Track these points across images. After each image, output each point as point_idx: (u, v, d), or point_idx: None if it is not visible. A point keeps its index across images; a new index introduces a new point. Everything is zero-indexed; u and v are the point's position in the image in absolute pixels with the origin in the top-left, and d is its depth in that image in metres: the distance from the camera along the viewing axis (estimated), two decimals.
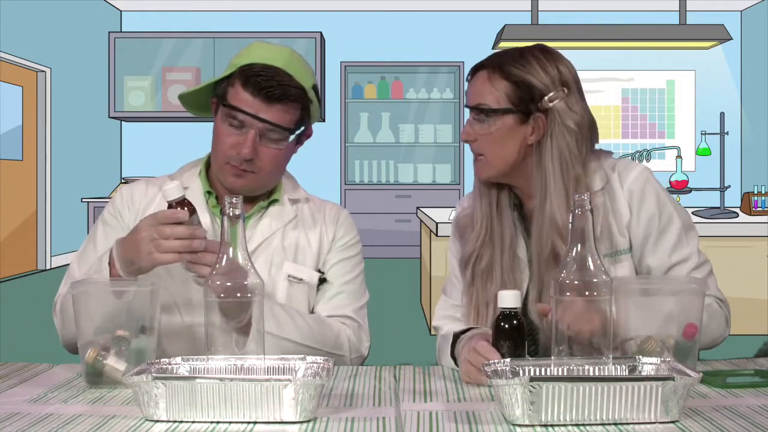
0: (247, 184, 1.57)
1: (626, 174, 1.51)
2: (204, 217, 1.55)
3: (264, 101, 1.52)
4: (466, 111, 1.53)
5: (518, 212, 1.57)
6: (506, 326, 1.29)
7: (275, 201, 1.64)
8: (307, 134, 1.64)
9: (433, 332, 4.70)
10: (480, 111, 1.49)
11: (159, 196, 1.62)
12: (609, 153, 1.58)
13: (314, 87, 1.61)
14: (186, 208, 1.39)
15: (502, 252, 1.52)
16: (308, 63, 1.63)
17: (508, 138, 1.48)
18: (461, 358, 1.37)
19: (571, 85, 1.49)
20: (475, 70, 1.54)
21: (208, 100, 1.64)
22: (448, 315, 1.64)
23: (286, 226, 1.63)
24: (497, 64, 1.50)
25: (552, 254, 1.45)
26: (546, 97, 1.46)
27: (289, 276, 1.59)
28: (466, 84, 1.60)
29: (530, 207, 1.55)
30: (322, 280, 1.63)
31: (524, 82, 1.47)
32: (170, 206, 1.39)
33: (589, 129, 1.51)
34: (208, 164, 1.66)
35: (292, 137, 1.57)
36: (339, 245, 1.67)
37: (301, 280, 1.60)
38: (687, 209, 1.62)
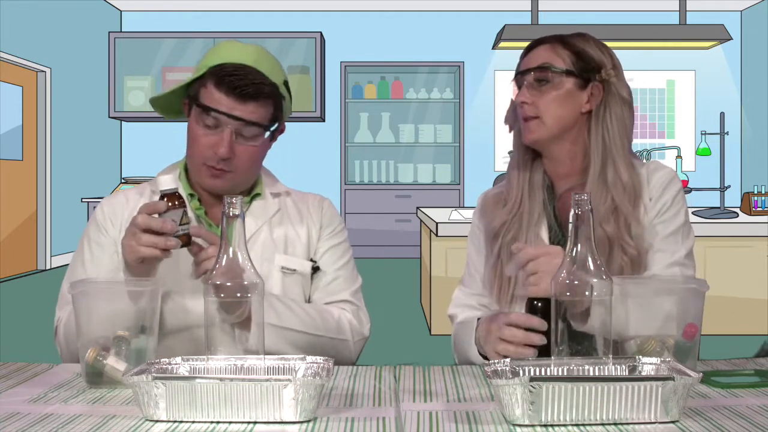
0: (224, 184, 1.58)
1: (655, 172, 1.59)
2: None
3: (238, 100, 1.53)
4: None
5: (548, 194, 1.62)
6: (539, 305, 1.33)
7: (257, 195, 1.65)
8: (280, 130, 1.66)
9: (433, 332, 4.72)
10: (544, 70, 1.56)
11: (141, 202, 1.62)
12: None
13: (285, 83, 1.63)
14: (175, 202, 1.39)
15: (528, 230, 1.58)
16: (278, 60, 1.65)
17: (567, 101, 1.57)
18: (490, 337, 1.41)
19: (620, 70, 1.61)
20: (534, 45, 1.62)
21: (180, 103, 1.65)
22: (466, 304, 1.68)
23: (271, 219, 1.64)
24: (558, 38, 1.61)
25: (612, 209, 1.52)
26: (603, 70, 1.58)
27: (282, 268, 1.60)
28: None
29: (560, 188, 1.61)
30: (315, 269, 1.64)
31: (585, 52, 1.58)
32: (161, 198, 1.40)
33: (632, 111, 1.63)
34: (186, 166, 1.66)
35: (267, 134, 1.59)
36: (327, 233, 1.68)
37: (294, 270, 1.61)
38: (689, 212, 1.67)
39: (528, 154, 1.64)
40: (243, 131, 1.55)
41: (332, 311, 1.61)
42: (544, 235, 1.59)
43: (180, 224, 1.39)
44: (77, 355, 1.36)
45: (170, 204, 1.39)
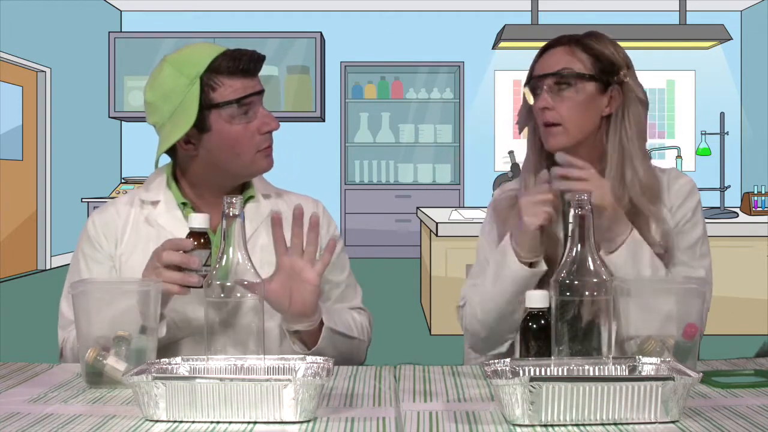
0: (272, 160, 1.60)
1: (676, 180, 1.60)
2: (184, 229, 1.52)
3: (251, 76, 1.54)
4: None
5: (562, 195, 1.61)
6: (534, 326, 1.30)
7: (251, 198, 1.63)
8: None
9: (433, 332, 4.72)
10: (566, 76, 1.55)
11: (133, 213, 1.59)
12: None
13: None
14: (201, 240, 1.38)
15: (543, 233, 1.57)
16: None
17: (589, 106, 1.56)
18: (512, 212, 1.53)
19: (633, 69, 1.61)
20: (550, 47, 1.60)
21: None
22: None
23: (266, 220, 1.61)
24: (574, 40, 1.59)
25: (629, 210, 1.52)
26: (621, 72, 1.57)
27: None
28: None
29: None
30: None
31: (603, 55, 1.57)
32: (188, 236, 1.39)
33: (647, 110, 1.62)
34: (174, 174, 1.62)
35: None
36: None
37: None
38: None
39: (543, 157, 1.63)
40: (261, 102, 1.57)
41: (353, 314, 1.65)
42: (560, 233, 1.60)
43: (204, 265, 1.38)
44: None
45: (196, 243, 1.38)
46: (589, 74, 1.54)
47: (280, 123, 1.61)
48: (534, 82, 1.58)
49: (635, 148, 1.56)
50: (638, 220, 1.52)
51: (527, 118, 1.64)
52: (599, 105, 1.56)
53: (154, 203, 1.59)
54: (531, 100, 1.60)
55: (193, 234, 1.39)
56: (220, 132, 1.52)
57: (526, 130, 1.68)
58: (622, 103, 1.57)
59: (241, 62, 1.51)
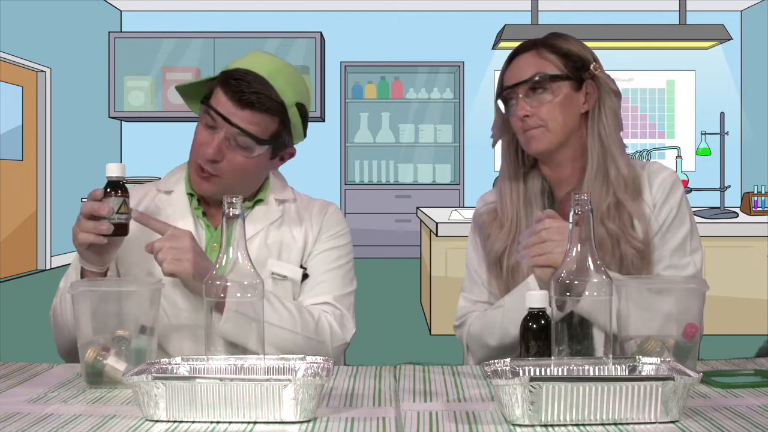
0: (209, 188, 1.56)
1: (657, 175, 1.58)
2: (187, 220, 1.58)
3: (237, 105, 1.51)
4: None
5: (548, 200, 1.61)
6: (534, 326, 1.30)
7: (260, 201, 1.64)
8: (289, 153, 1.65)
9: (433, 332, 4.72)
10: (540, 80, 1.54)
11: (145, 201, 1.63)
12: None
13: (299, 105, 1.58)
14: (118, 191, 1.42)
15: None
16: (303, 82, 1.60)
17: (568, 105, 1.55)
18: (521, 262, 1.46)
19: (600, 62, 1.60)
20: (515, 54, 1.59)
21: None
22: (474, 309, 1.65)
23: (270, 225, 1.62)
24: (540, 43, 1.58)
25: (614, 205, 1.52)
26: (592, 66, 1.57)
27: (273, 273, 1.58)
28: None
29: (561, 192, 1.60)
30: (305, 276, 1.63)
31: (571, 52, 1.57)
32: (106, 186, 1.43)
33: (620, 100, 1.62)
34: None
35: (263, 149, 1.55)
36: (325, 237, 1.66)
37: (285, 277, 1.59)
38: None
39: (520, 166, 1.62)
40: (237, 139, 1.52)
41: (312, 311, 1.58)
42: None
43: (117, 212, 1.41)
44: (64, 340, 1.47)
45: (107, 191, 1.41)
46: (562, 74, 1.54)
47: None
48: (508, 92, 1.57)
49: (614, 142, 1.56)
50: (621, 216, 1.52)
51: (502, 130, 1.63)
52: (577, 103, 1.57)
53: (168, 192, 1.63)
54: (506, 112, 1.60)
55: (109, 183, 1.42)
56: (197, 125, 1.59)
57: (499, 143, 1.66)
58: (598, 97, 1.57)
59: (230, 87, 1.52)
